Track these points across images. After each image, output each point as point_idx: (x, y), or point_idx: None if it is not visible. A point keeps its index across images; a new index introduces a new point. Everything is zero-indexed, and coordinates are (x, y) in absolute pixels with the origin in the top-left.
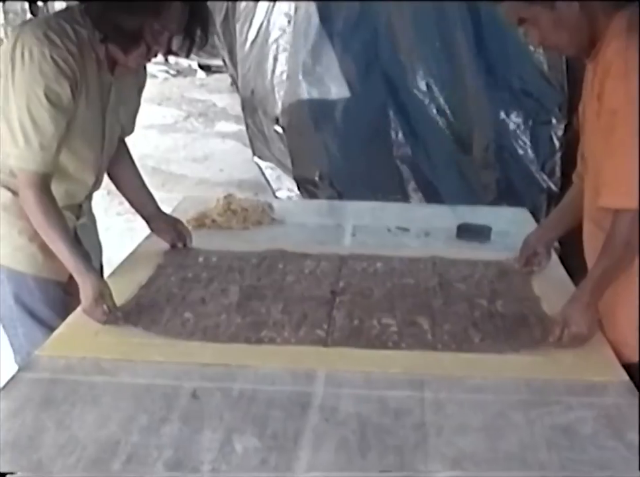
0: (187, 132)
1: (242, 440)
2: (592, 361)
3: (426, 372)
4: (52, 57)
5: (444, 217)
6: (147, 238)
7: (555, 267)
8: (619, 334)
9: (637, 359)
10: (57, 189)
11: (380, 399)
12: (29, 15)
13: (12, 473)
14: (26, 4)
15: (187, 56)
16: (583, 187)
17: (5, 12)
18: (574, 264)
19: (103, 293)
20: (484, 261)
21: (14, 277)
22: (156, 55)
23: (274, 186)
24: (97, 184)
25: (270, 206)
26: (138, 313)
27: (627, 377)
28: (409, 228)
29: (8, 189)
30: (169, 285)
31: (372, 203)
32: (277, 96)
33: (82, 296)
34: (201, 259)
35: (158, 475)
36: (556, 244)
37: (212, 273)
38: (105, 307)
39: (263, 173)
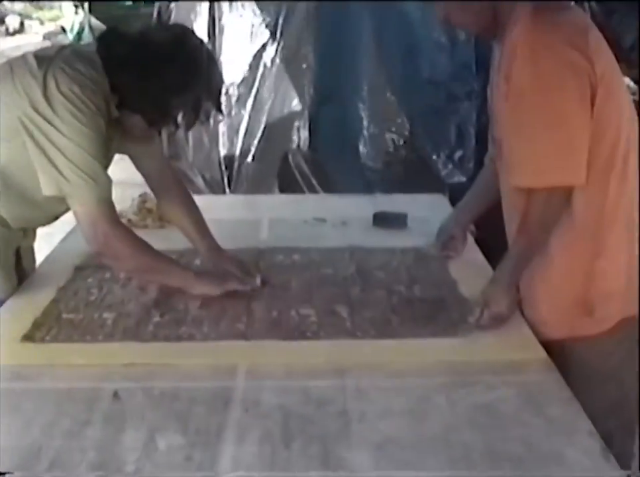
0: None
1: (166, 438)
2: (511, 340)
3: (347, 360)
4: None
5: (361, 206)
6: (63, 240)
7: (472, 250)
8: (537, 312)
9: (555, 337)
10: (19, 213)
11: (302, 390)
12: None
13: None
14: None
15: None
16: (494, 169)
17: None
18: (490, 246)
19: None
20: (401, 248)
21: None
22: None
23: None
24: (61, 215)
25: None
26: (57, 317)
27: (545, 355)
28: (325, 219)
29: None
30: (88, 287)
31: (288, 196)
32: None
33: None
34: (106, 261)
35: None
36: (472, 227)
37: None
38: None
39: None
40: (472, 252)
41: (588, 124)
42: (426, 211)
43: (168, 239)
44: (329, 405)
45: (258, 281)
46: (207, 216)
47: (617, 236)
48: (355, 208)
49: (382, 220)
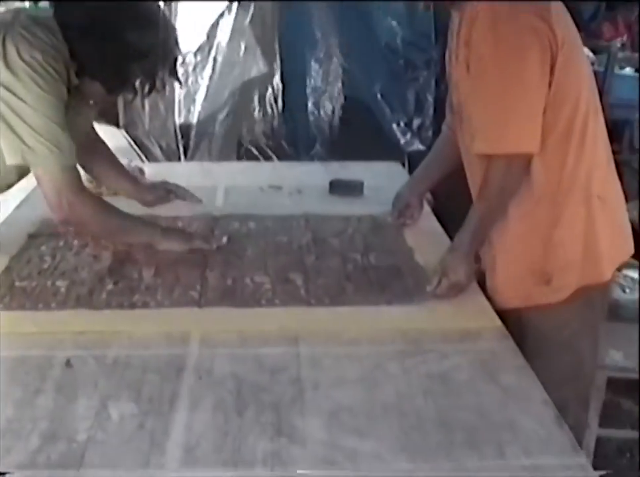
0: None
1: (118, 407)
2: (466, 308)
3: (301, 328)
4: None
5: (317, 174)
6: (17, 208)
7: (428, 219)
8: (495, 281)
9: (511, 305)
10: None
11: (256, 357)
12: None
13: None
14: None
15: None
16: (451, 136)
17: None
18: (448, 216)
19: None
20: (357, 216)
21: None
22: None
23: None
24: (15, 183)
25: (141, 170)
26: (10, 285)
27: (500, 323)
28: (281, 187)
29: None
30: (41, 255)
31: (244, 163)
32: None
33: (178, 247)
34: (72, 227)
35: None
36: (429, 196)
37: (84, 240)
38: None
39: (130, 141)
40: (429, 221)
41: (546, 91)
42: (383, 179)
43: (122, 207)
44: (283, 373)
45: (225, 239)
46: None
47: (575, 205)
48: (311, 176)
49: (338, 188)
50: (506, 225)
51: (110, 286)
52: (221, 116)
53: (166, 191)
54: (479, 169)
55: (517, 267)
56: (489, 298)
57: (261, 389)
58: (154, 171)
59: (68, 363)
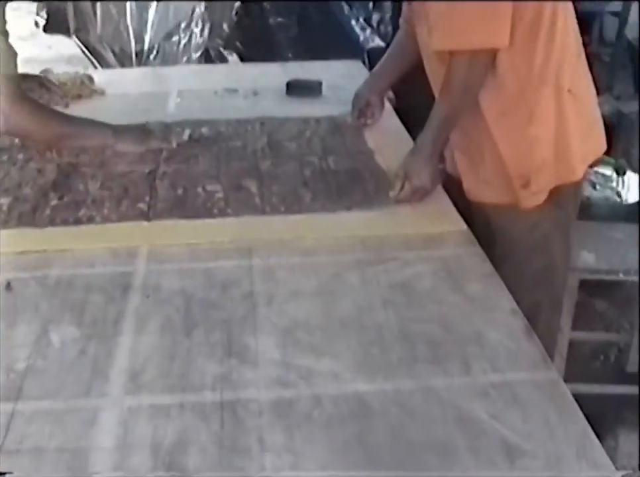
0: (12, 10)
1: (59, 332)
2: (429, 213)
3: (255, 239)
4: None
5: (274, 75)
6: None
7: (389, 118)
8: (476, 184)
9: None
10: None
11: (206, 272)
12: None
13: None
14: None
15: None
16: (409, 31)
17: None
18: (409, 113)
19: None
20: (316, 117)
21: None
22: None
23: None
24: None
25: (90, 78)
26: None
27: (465, 227)
28: (237, 89)
29: None
30: None
31: (198, 66)
32: None
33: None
34: (17, 140)
35: None
36: (391, 94)
37: (29, 154)
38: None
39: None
40: (390, 120)
41: None
42: (343, 78)
43: None
44: (235, 287)
45: (186, 135)
46: (114, 90)
47: (546, 100)
48: (268, 77)
49: (296, 88)
50: (481, 126)
51: (54, 201)
52: (177, 18)
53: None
54: (439, 66)
55: (496, 171)
56: (458, 201)
57: (211, 306)
58: (104, 77)
59: (8, 286)
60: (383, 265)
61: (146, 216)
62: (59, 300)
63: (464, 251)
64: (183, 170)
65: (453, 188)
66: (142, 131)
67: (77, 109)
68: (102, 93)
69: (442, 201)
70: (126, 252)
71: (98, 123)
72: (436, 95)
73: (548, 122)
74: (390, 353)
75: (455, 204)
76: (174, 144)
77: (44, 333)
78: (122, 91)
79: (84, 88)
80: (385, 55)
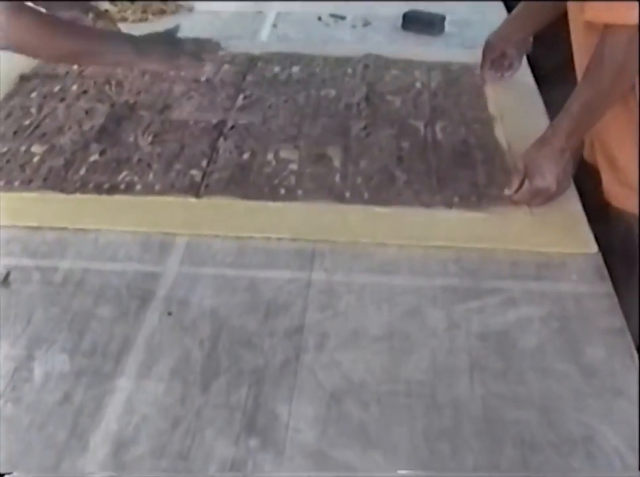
0: None
1: (46, 360)
2: (552, 223)
3: (322, 239)
4: None
5: (391, 3)
6: None
7: (521, 74)
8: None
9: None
10: None
11: (251, 285)
12: None
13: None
14: None
15: None
16: None
17: None
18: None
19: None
20: (430, 62)
21: None
22: None
23: None
24: None
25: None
26: None
27: (596, 249)
28: (345, 17)
29: None
30: (27, 105)
31: None
32: None
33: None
34: (76, 66)
35: None
36: (531, 39)
37: (84, 87)
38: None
39: None
40: (522, 77)
41: None
42: (472, 14)
43: None
44: (281, 315)
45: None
46: (205, 6)
47: None
48: (383, 5)
49: (413, 22)
50: (627, 118)
51: (94, 156)
52: None
53: None
54: (587, 38)
55: None
56: (593, 199)
57: (245, 343)
58: None
59: (5, 279)
60: (479, 300)
61: (196, 189)
62: (60, 309)
63: (589, 289)
64: (256, 125)
65: (589, 182)
66: (171, 47)
67: (157, 26)
68: (190, 9)
69: (571, 207)
70: (159, 242)
71: (118, 37)
72: (579, 74)
73: None
74: (465, 454)
75: (589, 203)
76: (206, 67)
77: (27, 360)
78: (213, 8)
79: (169, 2)
80: None
